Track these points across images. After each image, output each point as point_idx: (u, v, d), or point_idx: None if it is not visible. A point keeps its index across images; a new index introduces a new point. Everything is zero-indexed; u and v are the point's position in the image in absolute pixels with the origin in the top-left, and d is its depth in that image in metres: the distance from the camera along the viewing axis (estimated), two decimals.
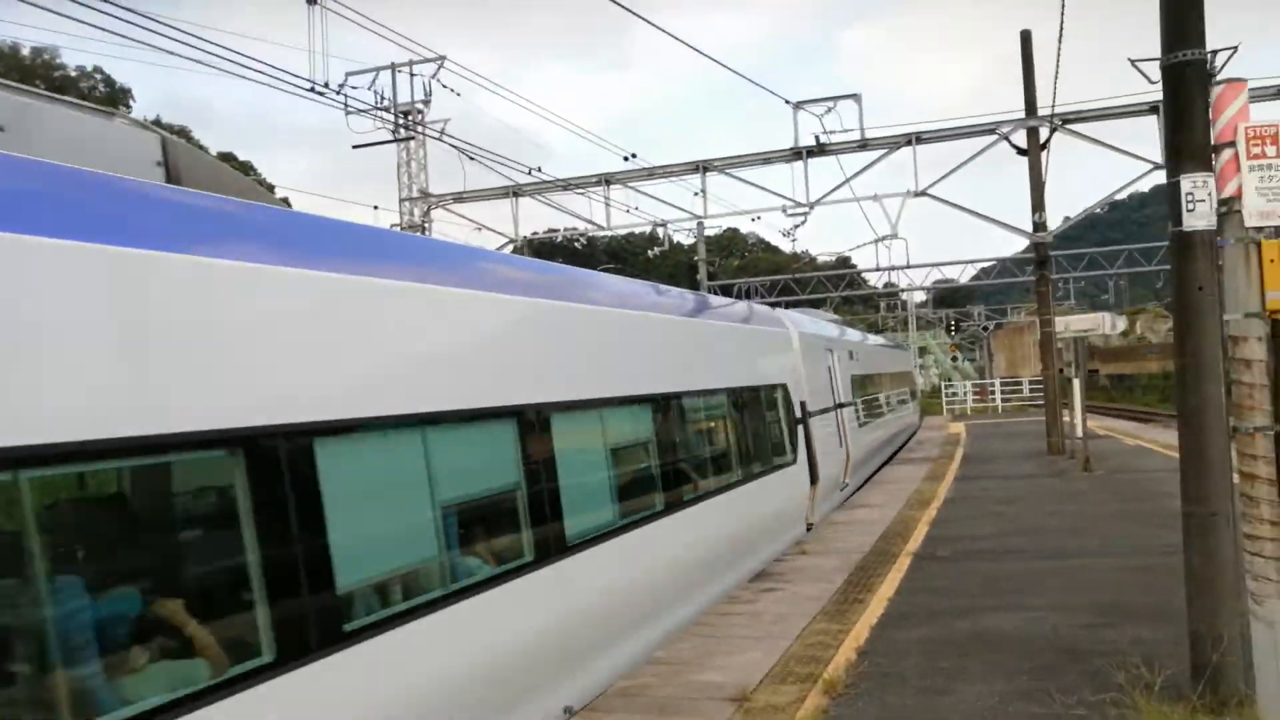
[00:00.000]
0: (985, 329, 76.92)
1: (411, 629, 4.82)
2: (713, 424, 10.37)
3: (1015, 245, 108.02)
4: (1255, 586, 4.61)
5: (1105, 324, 20.89)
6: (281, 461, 4.17)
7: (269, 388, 4.23)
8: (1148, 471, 16.51)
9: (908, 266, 42.87)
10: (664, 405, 8.76)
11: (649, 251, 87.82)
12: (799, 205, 24.24)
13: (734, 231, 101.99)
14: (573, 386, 7.09)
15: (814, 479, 13.52)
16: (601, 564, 6.98)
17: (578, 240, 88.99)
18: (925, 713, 5.75)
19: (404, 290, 5.41)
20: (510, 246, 27.62)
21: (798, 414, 13.33)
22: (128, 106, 66.99)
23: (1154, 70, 5.74)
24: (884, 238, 32.20)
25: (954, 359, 71.27)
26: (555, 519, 6.45)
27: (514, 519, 6.16)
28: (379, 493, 4.99)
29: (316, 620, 4.22)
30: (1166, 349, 57.05)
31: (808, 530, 13.06)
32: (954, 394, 46.26)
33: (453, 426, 5.60)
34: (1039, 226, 21.64)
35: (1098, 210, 31.29)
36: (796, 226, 36.70)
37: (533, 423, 6.37)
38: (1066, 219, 28.87)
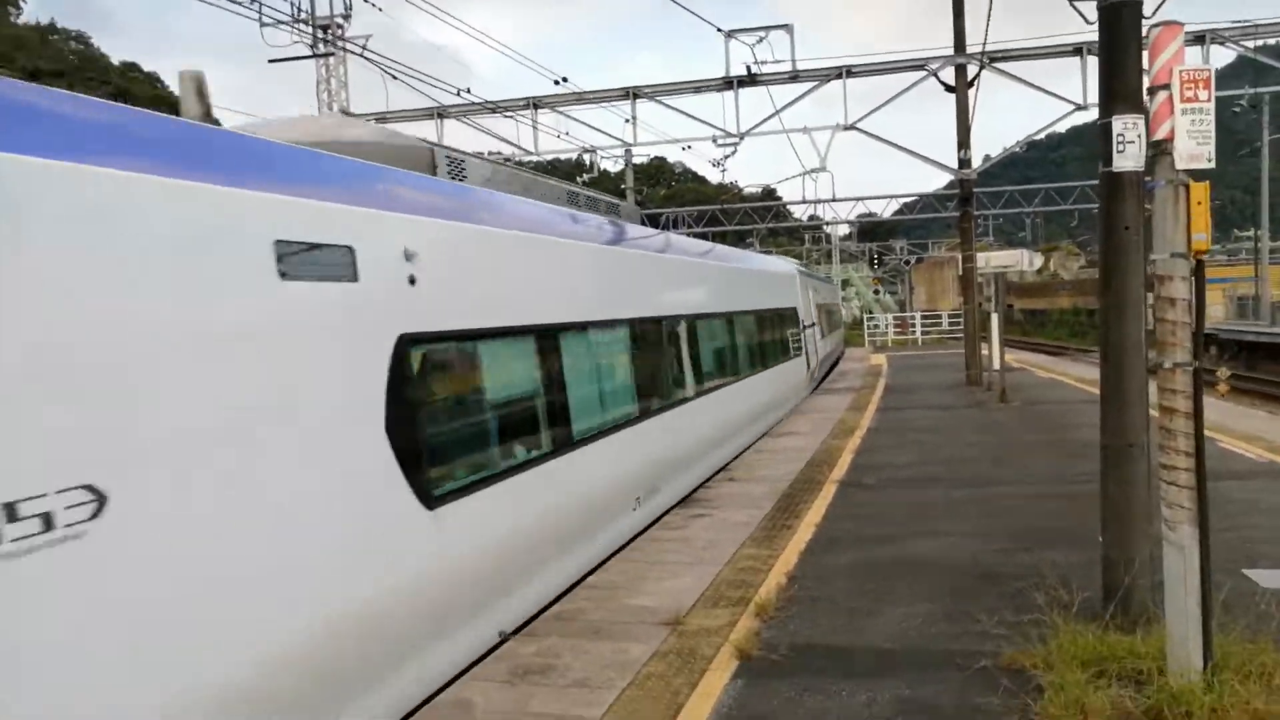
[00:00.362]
0: (907, 263, 78.29)
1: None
2: (779, 327, 18.38)
3: (938, 181, 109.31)
4: (1169, 513, 4.84)
5: (1024, 260, 21.39)
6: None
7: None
8: (1061, 403, 17.17)
9: (834, 200, 43.29)
10: (761, 316, 16.70)
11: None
12: (729, 135, 24.12)
13: (661, 160, 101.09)
14: (741, 303, 15.18)
15: (808, 366, 21.97)
16: (760, 384, 15.59)
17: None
18: (854, 634, 5.97)
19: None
20: None
21: (800, 326, 21.30)
22: (17, 7, 63.11)
23: (1091, 12, 5.80)
24: (812, 170, 32.28)
25: (876, 292, 72.52)
26: (752, 366, 15.22)
27: (737, 355, 14.30)
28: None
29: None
30: (1078, 285, 58.95)
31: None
32: (875, 326, 47.11)
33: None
34: (964, 163, 21.90)
35: (1018, 149, 31.87)
36: (726, 157, 36.64)
37: (733, 321, 14.21)
38: (988, 157, 29.40)
